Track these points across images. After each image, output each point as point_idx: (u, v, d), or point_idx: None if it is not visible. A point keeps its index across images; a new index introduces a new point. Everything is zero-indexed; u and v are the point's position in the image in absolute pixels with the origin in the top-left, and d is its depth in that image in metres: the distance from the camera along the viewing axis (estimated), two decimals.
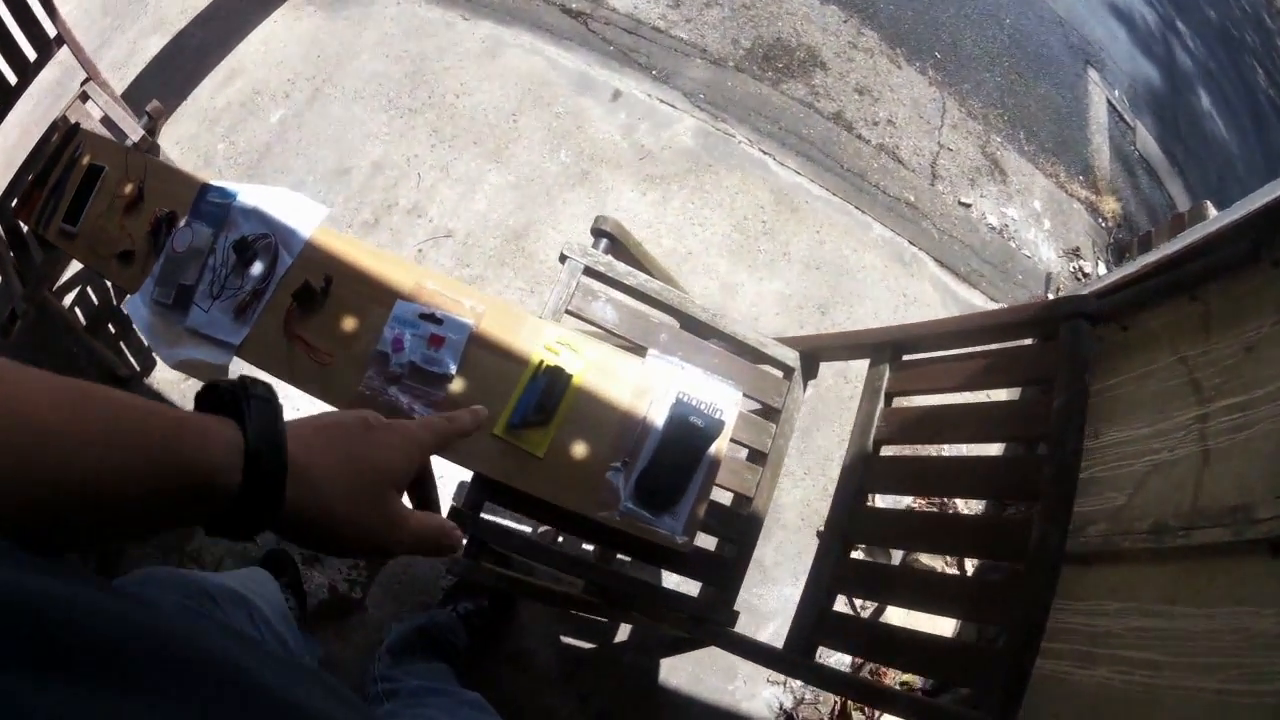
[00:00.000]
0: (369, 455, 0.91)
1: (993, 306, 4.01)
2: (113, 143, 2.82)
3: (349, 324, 2.21)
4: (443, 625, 2.73)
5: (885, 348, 2.36)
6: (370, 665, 2.58)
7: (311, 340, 2.18)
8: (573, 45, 4.30)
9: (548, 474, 2.08)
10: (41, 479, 0.67)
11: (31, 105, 3.86)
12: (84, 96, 3.23)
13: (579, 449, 2.10)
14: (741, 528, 2.34)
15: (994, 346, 2.20)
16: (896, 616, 2.79)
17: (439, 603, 2.98)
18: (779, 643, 2.25)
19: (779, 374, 2.48)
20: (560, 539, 2.93)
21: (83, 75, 3.25)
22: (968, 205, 4.39)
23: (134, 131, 3.11)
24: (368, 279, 2.25)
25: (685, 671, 3.05)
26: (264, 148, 3.98)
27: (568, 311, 2.30)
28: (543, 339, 2.16)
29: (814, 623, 2.19)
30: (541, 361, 2.13)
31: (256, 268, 2.28)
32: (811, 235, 3.87)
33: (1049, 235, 4.53)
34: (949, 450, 3.13)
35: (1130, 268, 3.55)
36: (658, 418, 2.16)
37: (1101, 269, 4.46)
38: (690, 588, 2.46)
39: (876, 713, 3.04)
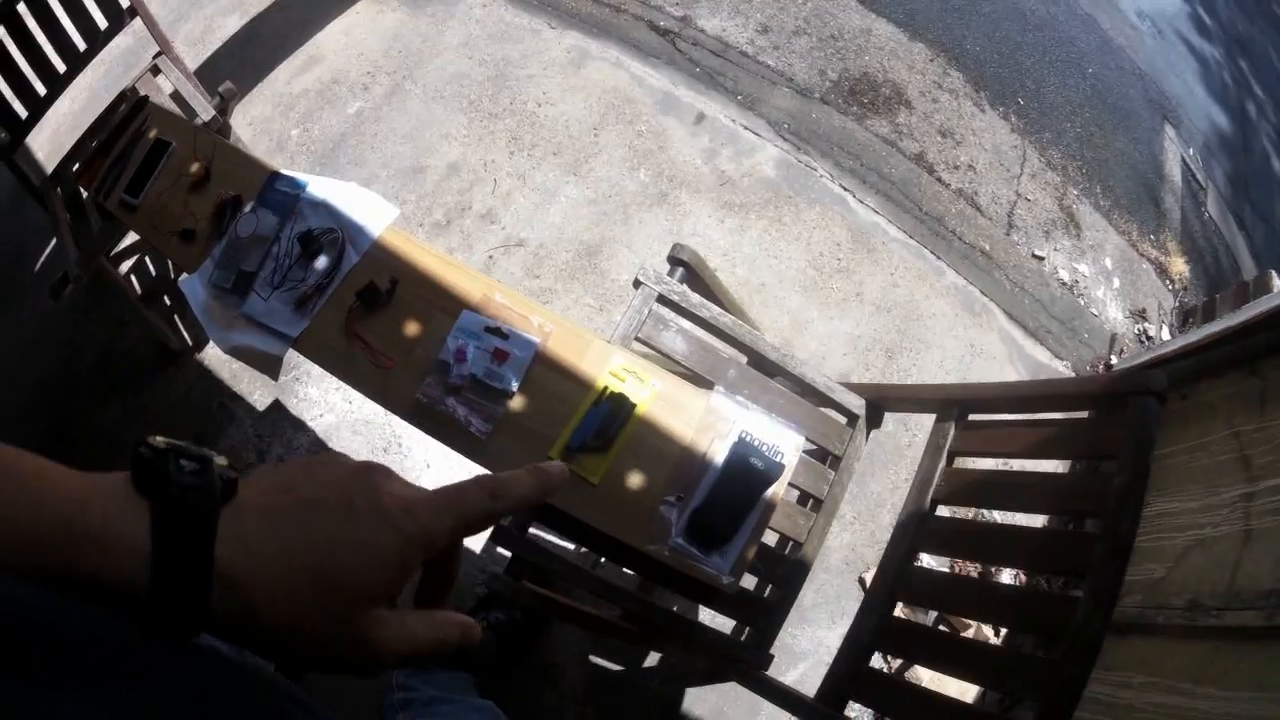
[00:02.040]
0: (338, 562, 0.65)
1: (1057, 364, 3.94)
2: (181, 119, 2.79)
3: (412, 329, 2.18)
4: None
5: (952, 406, 2.30)
6: (390, 674, 2.53)
7: (372, 341, 2.15)
8: (659, 64, 4.25)
9: (601, 502, 2.03)
10: None
11: (102, 72, 3.92)
12: (155, 70, 3.26)
13: (635, 479, 2.05)
14: (787, 572, 2.30)
15: (1059, 416, 2.16)
16: (923, 671, 2.76)
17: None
18: (806, 685, 2.23)
19: (842, 419, 2.42)
20: (601, 562, 2.85)
21: (155, 48, 3.27)
22: (1041, 258, 4.30)
23: (205, 110, 3.14)
24: (435, 285, 2.21)
25: (709, 704, 3.00)
26: (338, 138, 3.99)
27: (637, 338, 2.25)
28: (609, 364, 2.11)
29: (848, 676, 2.15)
30: (606, 387, 2.08)
31: (321, 262, 2.26)
32: (885, 277, 3.80)
33: (1117, 295, 4.43)
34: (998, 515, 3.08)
35: (1194, 335, 3.52)
36: (718, 455, 2.10)
37: (1165, 334, 4.37)
38: (725, 622, 2.41)
39: None
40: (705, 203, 3.82)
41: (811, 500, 2.35)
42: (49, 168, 3.26)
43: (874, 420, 2.44)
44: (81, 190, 3.03)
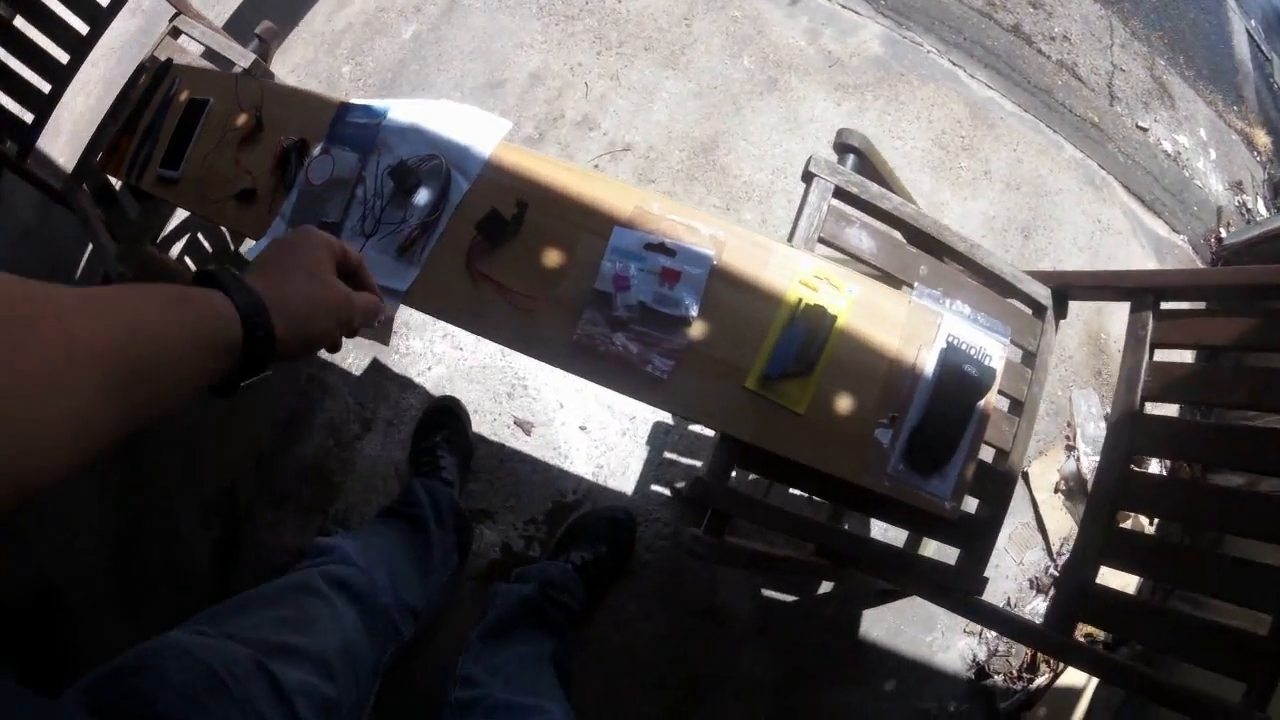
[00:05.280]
0: (303, 257, 1.06)
1: (1176, 239, 3.52)
2: (215, 72, 2.44)
3: (552, 258, 1.70)
4: (556, 583, 2.27)
5: (1146, 293, 1.87)
6: (456, 664, 2.10)
7: (505, 280, 1.69)
8: None
9: (808, 434, 1.61)
10: (141, 344, 0.76)
11: (115, 61, 3.43)
12: (175, 32, 2.72)
13: (843, 403, 1.63)
14: (996, 485, 1.88)
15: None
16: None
17: (549, 554, 2.53)
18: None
19: (1028, 311, 1.98)
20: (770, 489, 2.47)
21: (169, 15, 2.76)
22: (1145, 130, 3.85)
23: (243, 57, 2.63)
24: (573, 203, 1.73)
25: (886, 623, 2.62)
26: (397, 65, 3.47)
27: (820, 239, 1.78)
28: (798, 272, 1.66)
29: (1076, 597, 1.77)
30: (800, 300, 1.63)
31: (422, 196, 1.81)
32: (1009, 153, 3.32)
33: (1215, 166, 3.99)
34: None
35: None
36: (927, 366, 1.69)
37: (1260, 207, 4.01)
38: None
39: (1060, 665, 2.64)
40: (817, 86, 3.29)
41: (1010, 402, 1.92)
42: (70, 168, 2.77)
43: (1060, 310, 2.00)
44: (111, 180, 2.60)
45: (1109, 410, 2.74)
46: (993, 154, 3.30)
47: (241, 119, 2.02)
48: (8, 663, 2.83)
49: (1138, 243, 3.40)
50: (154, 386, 0.77)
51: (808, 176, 1.81)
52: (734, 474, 1.70)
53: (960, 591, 1.85)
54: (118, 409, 0.72)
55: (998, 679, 2.64)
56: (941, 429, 1.66)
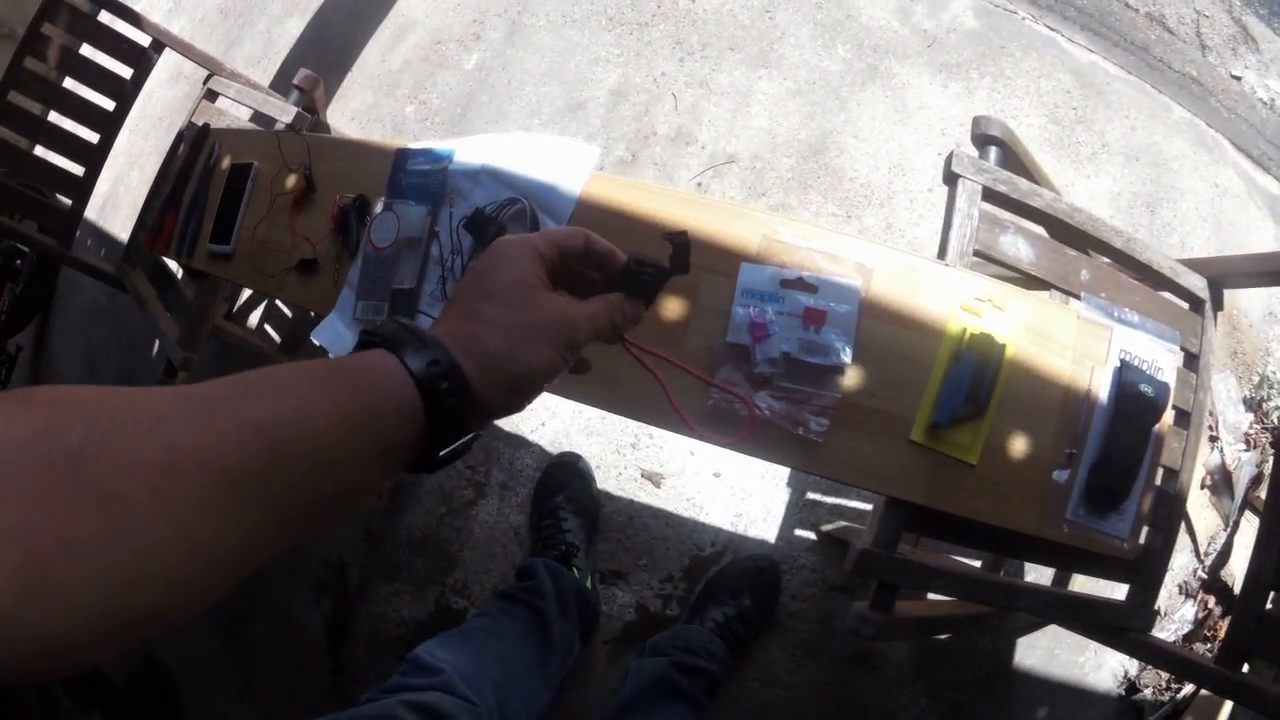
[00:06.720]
0: (500, 277, 0.75)
1: None
2: (255, 131, 2.30)
3: (672, 309, 1.43)
4: (693, 648, 2.02)
5: None
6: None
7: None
8: None
9: (983, 486, 1.36)
10: (272, 443, 0.56)
11: (165, 129, 3.40)
12: (211, 95, 2.55)
13: (1018, 446, 1.38)
14: (1166, 510, 1.58)
15: None
16: None
17: (688, 612, 2.29)
18: None
19: (1184, 305, 1.68)
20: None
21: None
22: (1239, 78, 3.52)
23: (283, 112, 2.41)
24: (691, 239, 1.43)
25: (1040, 648, 2.36)
26: (465, 99, 3.18)
27: (976, 252, 1.48)
28: (959, 297, 1.38)
29: (1249, 629, 1.51)
30: (965, 329, 1.36)
31: None
32: (1122, 121, 3.01)
33: None
34: None
35: None
36: (1101, 389, 1.42)
37: None
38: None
39: None
40: (919, 69, 2.96)
41: (1175, 413, 1.60)
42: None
43: (1218, 302, 1.71)
44: (164, 258, 2.48)
45: (1248, 393, 2.49)
46: (1107, 124, 2.99)
47: (290, 180, 1.84)
48: None
49: (1253, 204, 3.11)
50: (300, 489, 0.59)
51: (951, 178, 1.52)
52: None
53: (1132, 631, 1.60)
54: (250, 525, 0.56)
55: (1147, 692, 2.40)
56: (1121, 461, 1.41)
